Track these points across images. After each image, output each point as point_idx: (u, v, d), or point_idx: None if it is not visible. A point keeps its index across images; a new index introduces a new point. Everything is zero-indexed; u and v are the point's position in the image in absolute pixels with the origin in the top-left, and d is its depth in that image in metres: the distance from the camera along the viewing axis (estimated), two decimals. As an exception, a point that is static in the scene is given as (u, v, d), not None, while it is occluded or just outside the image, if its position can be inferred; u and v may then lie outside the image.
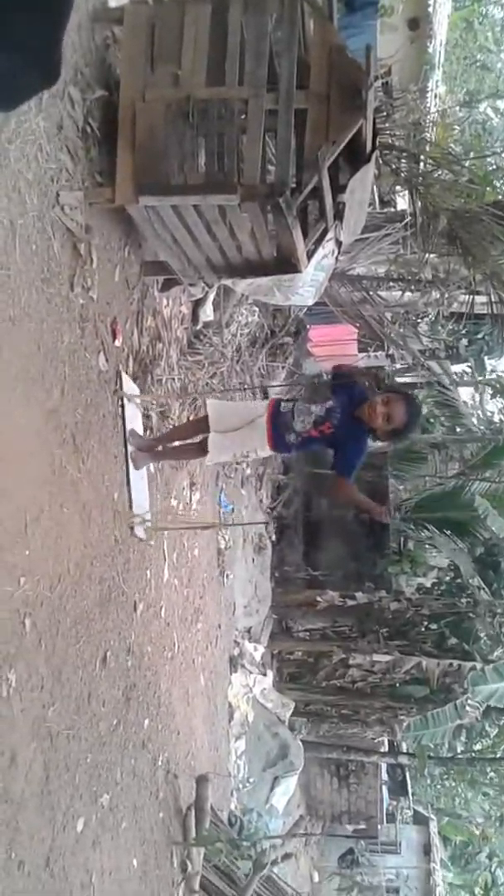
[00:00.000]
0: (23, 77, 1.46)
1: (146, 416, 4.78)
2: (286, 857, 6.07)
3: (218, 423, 4.30)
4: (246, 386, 7.09)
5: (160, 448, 4.67)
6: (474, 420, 12.28)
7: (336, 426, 4.10)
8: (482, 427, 11.91)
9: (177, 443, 4.78)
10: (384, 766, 13.46)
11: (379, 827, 13.44)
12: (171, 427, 5.08)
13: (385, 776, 14.15)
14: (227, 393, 6.33)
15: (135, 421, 4.45)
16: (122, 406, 4.21)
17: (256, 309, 6.83)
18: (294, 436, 4.18)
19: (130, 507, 4.38)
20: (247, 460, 4.53)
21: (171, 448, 4.78)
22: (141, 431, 4.56)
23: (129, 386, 4.34)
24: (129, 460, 4.32)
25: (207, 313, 5.76)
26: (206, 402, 4.60)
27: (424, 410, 13.07)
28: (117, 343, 4.14)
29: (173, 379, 5.35)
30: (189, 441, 4.66)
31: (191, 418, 5.38)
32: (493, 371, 12.77)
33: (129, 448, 4.30)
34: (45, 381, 3.25)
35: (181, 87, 3.60)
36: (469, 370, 12.46)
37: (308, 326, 8.35)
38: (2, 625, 2.85)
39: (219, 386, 6.20)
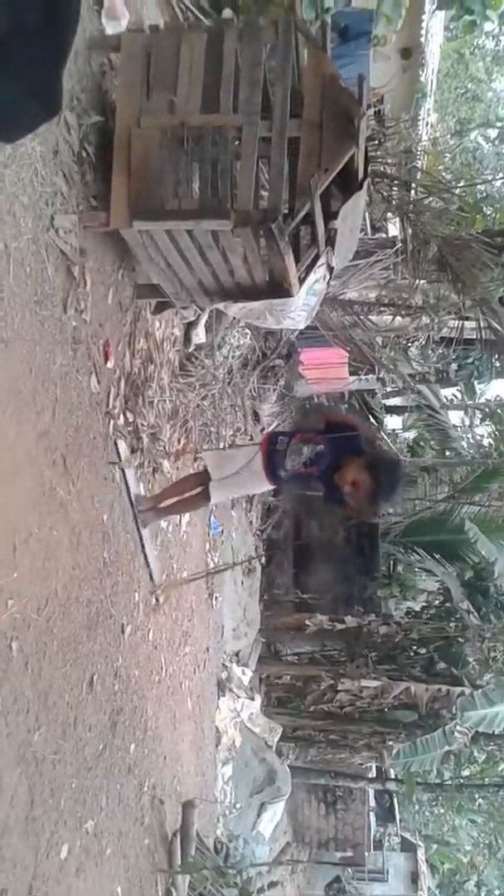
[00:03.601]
0: (25, 108, 1.50)
1: (137, 438, 4.79)
2: (272, 885, 5.99)
3: (217, 470, 4.59)
4: (237, 407, 7.10)
5: (163, 504, 4.88)
6: (464, 444, 12.34)
7: (319, 474, 4.26)
8: (472, 451, 11.96)
9: (175, 498, 4.96)
10: (372, 792, 13.36)
11: (366, 854, 13.31)
12: (170, 484, 5.20)
13: (373, 802, 14.04)
14: (221, 441, 6.50)
15: (137, 484, 4.69)
16: (124, 473, 4.40)
17: (248, 332, 6.87)
18: (284, 472, 4.37)
19: (151, 577, 4.84)
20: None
21: (174, 503, 4.97)
22: (142, 492, 4.79)
23: (125, 453, 4.48)
24: (139, 523, 4.63)
25: (199, 336, 5.78)
26: (203, 456, 4.96)
27: (414, 434, 13.17)
28: (109, 365, 4.15)
29: (164, 401, 5.36)
30: (189, 494, 4.88)
31: (190, 472, 5.50)
32: (482, 395, 12.85)
33: (139, 513, 4.61)
34: (36, 403, 3.25)
35: (176, 113, 3.64)
36: (459, 394, 12.54)
37: (299, 349, 8.39)
38: (-12, 648, 2.83)
39: (210, 409, 6.21)
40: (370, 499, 4.20)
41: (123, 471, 4.41)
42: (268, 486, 4.71)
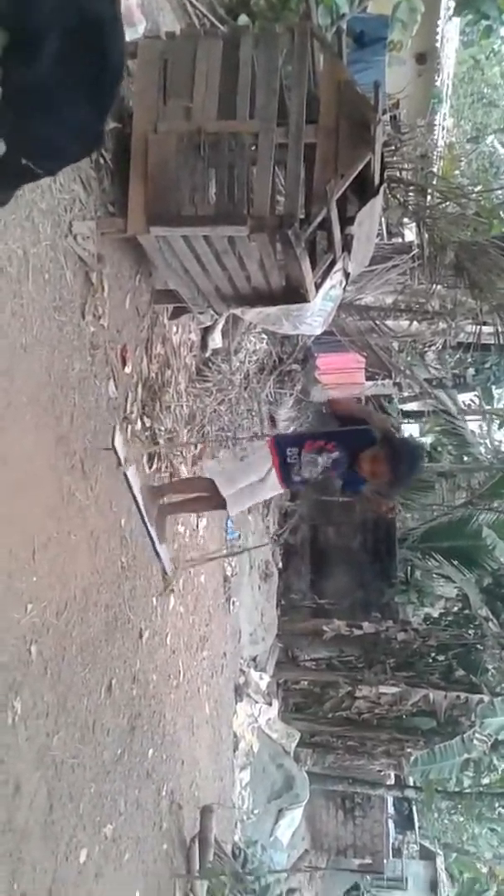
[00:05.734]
0: (67, 149, 1.59)
1: (154, 443, 4.80)
2: (291, 891, 5.98)
3: (228, 485, 4.53)
4: (254, 412, 7.11)
5: (172, 502, 4.81)
6: (482, 449, 12.27)
7: (339, 476, 4.40)
8: (490, 456, 11.88)
9: (184, 496, 4.91)
10: (390, 800, 13.28)
11: (385, 862, 13.21)
12: (176, 480, 5.13)
13: (391, 809, 13.94)
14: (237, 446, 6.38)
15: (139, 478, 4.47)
16: (126, 476, 4.16)
17: (265, 336, 6.87)
18: (301, 479, 4.44)
19: (165, 572, 4.77)
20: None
21: (183, 501, 4.92)
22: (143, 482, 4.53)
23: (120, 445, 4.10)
24: (149, 524, 4.46)
25: (216, 341, 5.79)
26: (208, 473, 4.94)
27: (431, 440, 13.12)
28: (127, 370, 4.17)
29: (181, 405, 5.37)
30: (199, 495, 4.83)
31: (195, 475, 5.45)
32: (500, 400, 12.79)
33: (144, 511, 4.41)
34: (55, 408, 3.27)
35: (193, 120, 3.67)
36: (476, 399, 12.48)
37: (316, 354, 8.39)
38: (8, 652, 2.84)
39: (226, 414, 6.22)
40: (391, 484, 4.36)
41: (126, 473, 4.17)
42: (282, 489, 4.77)
